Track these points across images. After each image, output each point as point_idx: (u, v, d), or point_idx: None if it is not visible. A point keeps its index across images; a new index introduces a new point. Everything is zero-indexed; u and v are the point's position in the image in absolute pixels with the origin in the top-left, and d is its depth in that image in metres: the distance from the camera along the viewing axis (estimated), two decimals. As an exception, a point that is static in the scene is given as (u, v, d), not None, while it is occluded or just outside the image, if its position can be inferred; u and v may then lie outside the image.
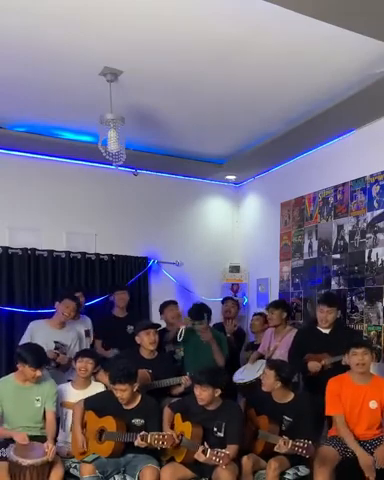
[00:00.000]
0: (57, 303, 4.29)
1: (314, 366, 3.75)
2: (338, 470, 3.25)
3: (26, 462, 3.12)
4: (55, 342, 4.08)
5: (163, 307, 4.78)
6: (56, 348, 4.06)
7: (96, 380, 4.00)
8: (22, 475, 3.12)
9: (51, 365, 3.94)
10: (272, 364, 3.52)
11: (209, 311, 4.31)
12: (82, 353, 3.87)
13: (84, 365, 3.75)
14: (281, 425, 3.40)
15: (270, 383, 3.42)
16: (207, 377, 3.28)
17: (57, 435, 3.68)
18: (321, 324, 3.94)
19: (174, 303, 4.81)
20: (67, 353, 4.17)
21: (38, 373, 3.47)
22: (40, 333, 4.11)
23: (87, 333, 4.63)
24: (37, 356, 3.48)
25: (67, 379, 4.00)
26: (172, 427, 3.43)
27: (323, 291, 4.63)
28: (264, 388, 3.47)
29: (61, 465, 3.30)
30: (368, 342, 3.56)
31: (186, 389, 3.86)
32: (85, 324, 4.65)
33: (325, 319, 3.90)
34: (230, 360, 4.52)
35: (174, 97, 3.91)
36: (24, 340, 4.05)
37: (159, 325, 4.34)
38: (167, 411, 3.51)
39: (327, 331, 3.94)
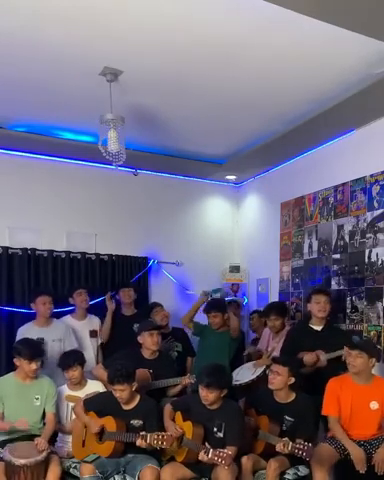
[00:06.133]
0: (32, 304, 4.31)
1: (310, 358, 3.69)
2: (336, 469, 3.26)
3: (19, 461, 3.13)
4: (37, 339, 4.05)
5: (150, 311, 4.79)
6: None
7: (93, 377, 3.99)
8: (17, 475, 3.13)
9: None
10: (285, 360, 3.48)
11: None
12: (69, 362, 3.78)
13: (72, 374, 3.75)
14: (282, 425, 3.40)
15: (282, 380, 3.39)
16: (216, 379, 3.24)
17: (56, 436, 3.70)
18: (318, 315, 3.90)
19: (158, 305, 4.83)
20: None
21: (33, 366, 3.49)
22: (27, 335, 4.10)
23: (93, 333, 4.62)
24: (31, 349, 3.52)
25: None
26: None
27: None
28: (272, 386, 3.43)
29: (58, 464, 3.29)
30: (366, 344, 3.52)
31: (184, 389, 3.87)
32: (91, 324, 4.65)
33: (324, 309, 3.87)
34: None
35: (174, 97, 3.91)
36: None
37: (162, 326, 4.33)
38: (168, 408, 3.49)
39: (319, 328, 3.93)
